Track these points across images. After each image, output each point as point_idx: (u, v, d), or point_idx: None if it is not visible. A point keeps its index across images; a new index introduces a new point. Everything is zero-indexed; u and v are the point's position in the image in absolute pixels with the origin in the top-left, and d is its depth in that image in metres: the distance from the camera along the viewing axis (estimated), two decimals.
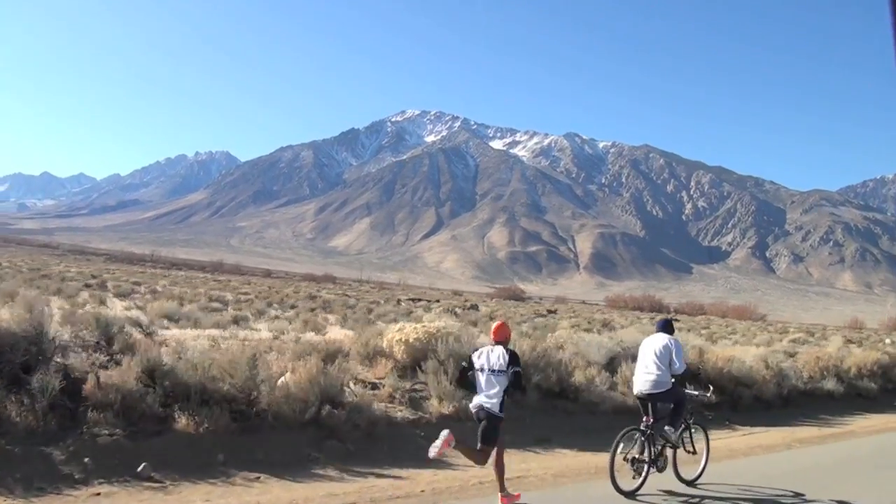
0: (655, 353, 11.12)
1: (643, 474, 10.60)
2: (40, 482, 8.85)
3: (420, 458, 10.89)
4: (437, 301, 77.91)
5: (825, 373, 23.67)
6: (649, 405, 11.04)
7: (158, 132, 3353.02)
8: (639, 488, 10.49)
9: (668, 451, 11.37)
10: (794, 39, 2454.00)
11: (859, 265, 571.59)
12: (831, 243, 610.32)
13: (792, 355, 26.40)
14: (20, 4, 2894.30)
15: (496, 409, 9.49)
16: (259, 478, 10.13)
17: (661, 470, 11.03)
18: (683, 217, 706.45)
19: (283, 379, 12.27)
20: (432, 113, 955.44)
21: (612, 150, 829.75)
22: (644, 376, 11.13)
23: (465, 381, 9.99)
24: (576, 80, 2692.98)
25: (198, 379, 11.24)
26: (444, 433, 9.43)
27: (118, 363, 11.28)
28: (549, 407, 15.48)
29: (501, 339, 9.99)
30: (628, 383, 15.27)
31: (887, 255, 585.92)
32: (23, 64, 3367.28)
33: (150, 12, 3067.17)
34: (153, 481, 9.47)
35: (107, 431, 10.01)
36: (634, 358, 12.91)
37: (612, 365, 18.47)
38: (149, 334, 15.94)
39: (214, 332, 20.68)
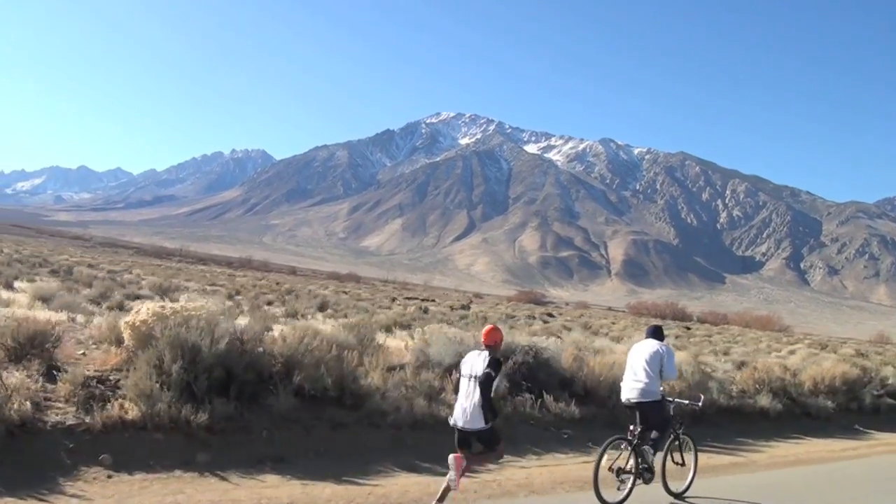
0: (645, 360, 10.72)
1: (629, 486, 10.20)
2: None
3: (34, 481, 8.66)
4: (433, 300, 77.37)
5: (760, 386, 19.76)
6: (637, 414, 10.67)
7: (196, 129, 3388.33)
8: (623, 500, 10.08)
9: (658, 462, 10.82)
10: (833, 52, 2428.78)
11: (895, 279, 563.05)
12: (867, 256, 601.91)
13: (740, 366, 23.28)
14: (62, 1, 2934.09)
15: (479, 425, 8.96)
16: None
17: (647, 482, 10.50)
18: (718, 226, 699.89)
19: None
20: (467, 115, 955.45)
21: (648, 156, 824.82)
22: (632, 383, 10.75)
23: (489, 395, 9.13)
24: (612, 86, 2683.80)
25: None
26: (451, 459, 8.95)
27: None
28: (306, 417, 11.57)
29: (491, 343, 9.43)
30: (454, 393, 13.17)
31: None
32: (63, 59, 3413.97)
33: (191, 11, 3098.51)
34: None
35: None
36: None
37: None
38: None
39: None
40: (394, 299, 68.05)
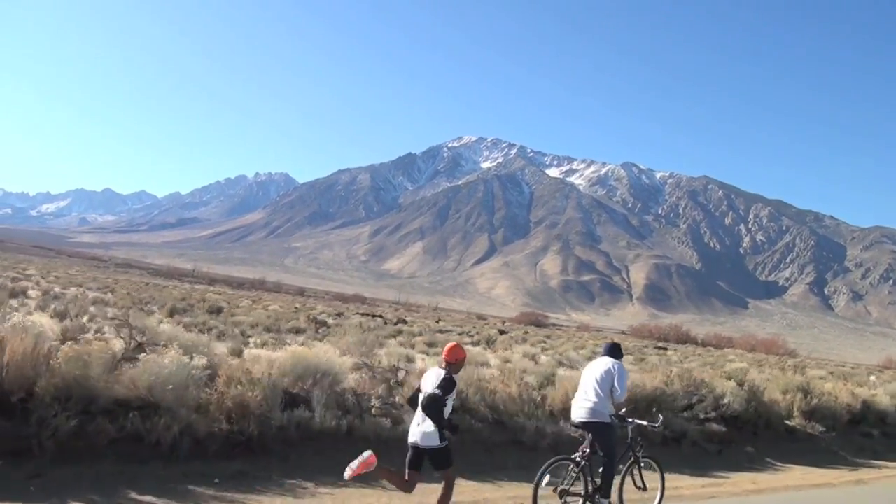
0: (596, 379, 10.27)
1: None
2: None
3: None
4: (379, 316, 74.32)
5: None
6: (588, 435, 10.18)
7: (220, 152, 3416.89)
8: None
9: (615, 486, 10.30)
10: (856, 78, 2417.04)
11: None
12: (891, 282, 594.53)
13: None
14: (87, 26, 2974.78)
15: (433, 442, 8.65)
16: None
17: None
18: (741, 250, 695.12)
19: None
20: (489, 139, 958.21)
21: (670, 180, 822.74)
22: (582, 402, 10.27)
23: (437, 417, 8.63)
24: (634, 111, 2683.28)
25: None
26: (366, 454, 8.65)
27: None
28: None
29: (452, 360, 9.03)
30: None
31: None
32: (89, 84, 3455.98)
33: (216, 35, 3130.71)
34: None
35: None
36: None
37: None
38: None
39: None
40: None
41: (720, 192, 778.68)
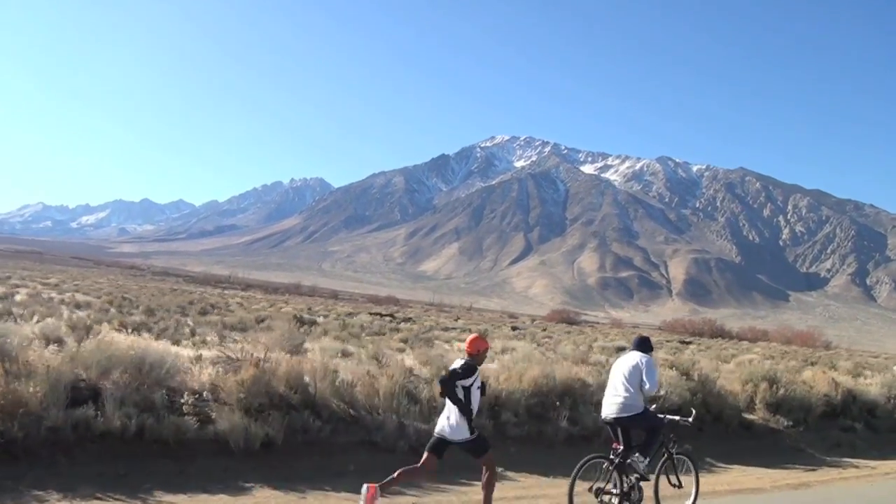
0: (624, 374, 10.07)
1: None
2: None
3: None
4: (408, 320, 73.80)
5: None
6: (619, 431, 10.01)
7: (256, 160, 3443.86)
8: None
9: (650, 483, 10.16)
10: (890, 65, 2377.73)
11: None
12: None
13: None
14: (125, 38, 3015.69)
15: (463, 435, 8.77)
16: None
17: (635, 503, 9.81)
18: (780, 242, 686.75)
19: None
20: (522, 138, 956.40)
21: (707, 173, 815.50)
22: (612, 399, 10.08)
23: (449, 393, 8.76)
24: (668, 104, 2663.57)
25: None
26: (364, 489, 8.64)
27: None
28: None
29: (473, 352, 9.09)
30: None
31: None
32: (125, 96, 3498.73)
33: (249, 43, 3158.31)
34: None
35: None
36: None
37: None
38: None
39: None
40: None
41: (758, 184, 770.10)
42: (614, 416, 9.95)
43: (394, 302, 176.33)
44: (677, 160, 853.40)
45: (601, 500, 9.54)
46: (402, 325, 51.15)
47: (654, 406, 10.37)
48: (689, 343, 66.40)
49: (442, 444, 8.90)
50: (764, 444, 16.56)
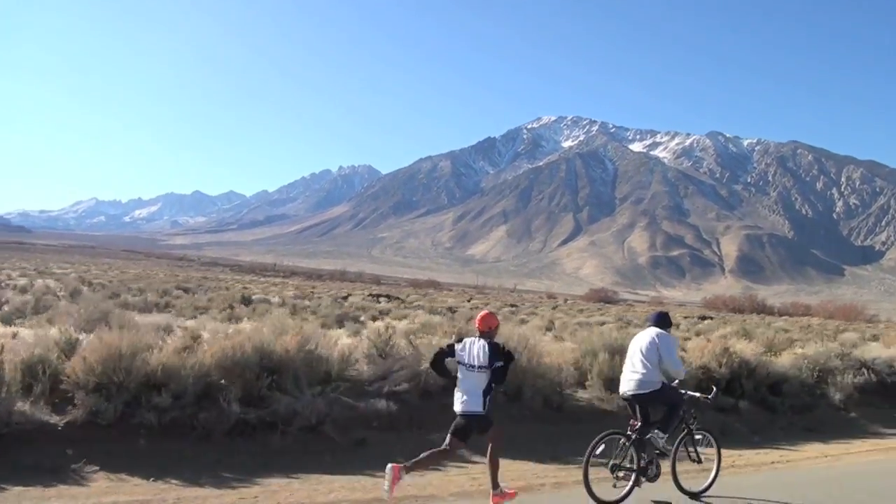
0: (641, 351, 9.74)
1: (629, 483, 9.30)
2: None
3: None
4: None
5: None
6: (637, 407, 9.67)
7: (304, 149, 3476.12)
8: (622, 499, 9.23)
9: (668, 459, 9.85)
10: None
11: None
12: None
13: None
14: (174, 33, 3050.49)
15: (477, 409, 8.70)
16: None
17: (651, 479, 9.51)
18: (834, 216, 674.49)
19: None
20: (569, 118, 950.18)
21: (758, 147, 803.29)
22: (629, 375, 9.77)
23: (439, 365, 9.07)
24: (719, 76, 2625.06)
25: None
26: (389, 469, 8.41)
27: None
28: None
29: (485, 329, 8.93)
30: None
31: None
32: (176, 90, 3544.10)
33: (296, 34, 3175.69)
34: None
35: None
36: None
37: None
38: None
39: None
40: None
41: (810, 157, 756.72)
42: (632, 392, 9.74)
43: (434, 285, 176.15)
44: (728, 135, 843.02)
45: (617, 476, 9.37)
46: (387, 305, 50.42)
47: (675, 382, 9.98)
48: (707, 318, 64.69)
49: (465, 427, 8.79)
50: (575, 429, 12.88)
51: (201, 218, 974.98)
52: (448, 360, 9.06)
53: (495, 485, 8.80)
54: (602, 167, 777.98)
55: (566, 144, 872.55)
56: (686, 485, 9.86)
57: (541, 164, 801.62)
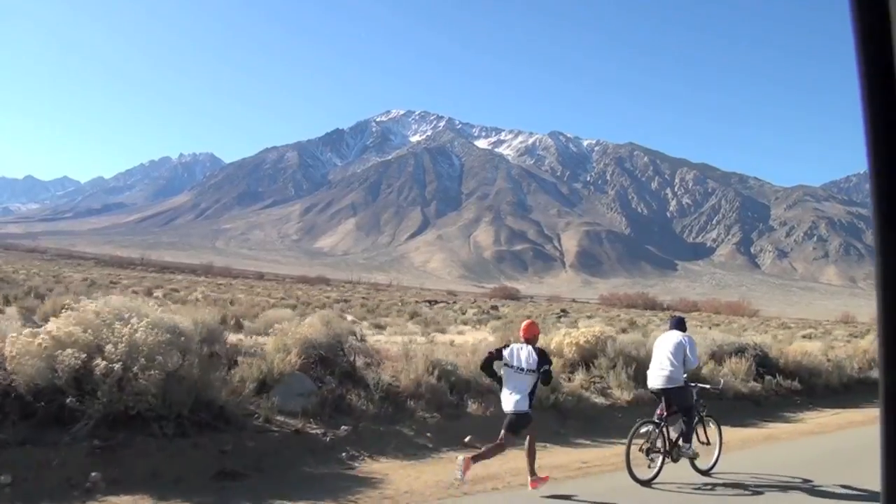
0: (669, 350, 11.67)
1: (658, 464, 11.13)
2: (407, 448, 12.19)
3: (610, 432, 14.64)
4: (454, 302, 78.46)
5: (872, 363, 25.03)
6: (663, 399, 11.70)
7: (142, 134, 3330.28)
8: (654, 477, 10.99)
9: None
10: (773, 34, 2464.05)
11: (843, 260, 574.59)
12: (815, 238, 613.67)
13: (831, 349, 28.69)
14: (2, 12, 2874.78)
15: (524, 407, 10.06)
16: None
17: (675, 460, 11.47)
18: (668, 214, 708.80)
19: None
20: (417, 113, 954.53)
21: (597, 147, 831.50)
22: (658, 372, 11.73)
23: (489, 368, 10.66)
24: (560, 79, 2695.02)
25: (470, 373, 14.43)
26: (461, 460, 9.79)
27: (379, 363, 14.59)
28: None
29: (530, 336, 10.56)
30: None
31: (871, 249, 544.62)
32: (4, 68, 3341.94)
33: (132, 14, 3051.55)
34: (470, 446, 11.89)
35: (428, 415, 13.34)
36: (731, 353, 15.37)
37: (713, 358, 21.44)
38: (362, 340, 17.25)
39: (403, 337, 23.70)
40: (416, 302, 69.73)
41: (646, 158, 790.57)
42: (661, 386, 11.71)
43: (325, 281, 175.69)
44: (568, 135, 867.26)
45: (651, 458, 11.18)
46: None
47: (685, 375, 11.89)
48: (566, 313, 70.08)
49: (516, 423, 10.17)
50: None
51: (34, 205, 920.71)
52: (496, 363, 10.59)
53: (532, 472, 10.16)
54: (449, 162, 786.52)
55: (414, 139, 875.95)
56: (698, 463, 11.85)
57: (389, 157, 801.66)
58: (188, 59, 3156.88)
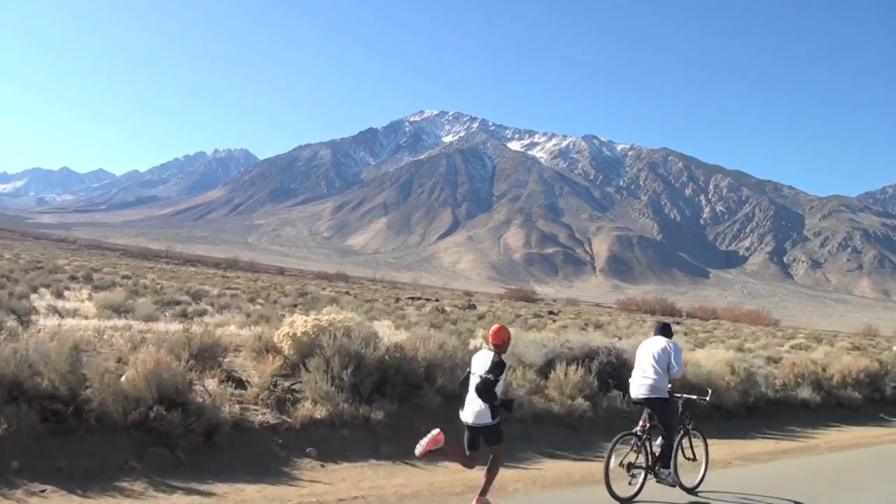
0: (653, 357, 10.78)
1: (640, 480, 10.35)
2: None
3: (261, 471, 10.16)
4: (436, 300, 78.11)
5: (800, 380, 21.58)
6: (645, 410, 10.80)
7: (178, 130, 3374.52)
8: (635, 495, 10.22)
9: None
10: (814, 45, 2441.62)
11: (877, 272, 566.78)
12: (849, 249, 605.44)
13: (776, 361, 25.64)
14: (41, 4, 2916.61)
15: (486, 420, 9.00)
16: (44, 491, 8.52)
17: (657, 477, 10.66)
18: (701, 221, 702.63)
19: (126, 375, 10.48)
20: (450, 113, 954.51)
21: (631, 152, 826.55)
22: (641, 380, 10.81)
23: (490, 400, 9.02)
24: (595, 83, 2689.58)
25: (10, 372, 9.52)
26: (434, 432, 9.01)
27: None
28: (450, 413, 11.15)
29: (498, 342, 9.31)
30: (561, 386, 15.31)
31: None
32: (45, 61, 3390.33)
33: (171, 11, 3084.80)
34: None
35: None
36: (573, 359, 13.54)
37: (549, 366, 16.17)
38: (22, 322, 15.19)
39: (102, 323, 18.68)
40: (397, 300, 68.59)
41: (680, 164, 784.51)
42: (644, 396, 10.77)
43: (343, 279, 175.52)
44: (602, 139, 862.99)
45: (632, 474, 10.35)
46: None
47: (669, 385, 10.96)
48: (678, 324, 68.37)
49: (475, 436, 9.23)
50: None
51: (69, 196, 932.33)
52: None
53: (484, 491, 9.24)
54: (481, 164, 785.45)
55: (447, 139, 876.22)
56: (683, 480, 10.95)
57: (422, 157, 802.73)
58: (226, 56, 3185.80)
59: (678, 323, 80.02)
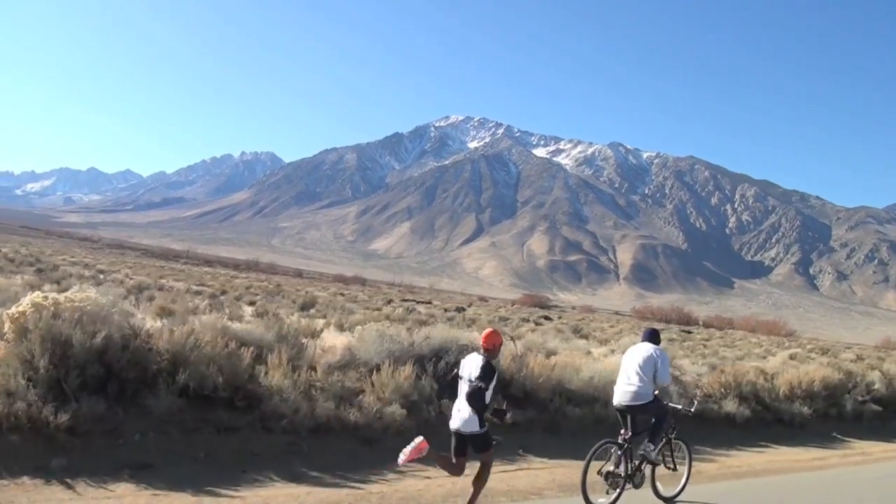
0: (638, 364, 10.61)
1: (618, 490, 10.11)
2: None
3: None
4: (429, 302, 78.17)
5: (725, 391, 18.60)
6: (628, 418, 10.60)
7: (205, 132, 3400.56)
8: None
9: (647, 467, 10.79)
10: (841, 58, 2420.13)
11: None
12: (876, 261, 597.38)
13: (714, 369, 22.21)
14: (71, 6, 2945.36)
15: (473, 427, 8.85)
16: None
17: (637, 486, 10.46)
18: (727, 230, 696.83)
19: None
20: (476, 119, 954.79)
21: (657, 160, 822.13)
22: (624, 387, 10.64)
23: (479, 406, 8.83)
24: (622, 92, 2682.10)
25: None
26: (417, 439, 8.85)
27: None
28: (190, 419, 10.53)
29: (489, 347, 9.10)
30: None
31: None
32: (73, 61, 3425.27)
33: (200, 13, 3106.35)
34: None
35: None
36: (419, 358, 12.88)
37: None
38: None
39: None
40: (389, 301, 68.07)
41: (706, 172, 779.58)
42: (627, 403, 10.60)
43: (360, 282, 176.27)
44: (628, 146, 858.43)
45: (609, 483, 10.10)
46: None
47: (655, 392, 10.80)
48: (689, 332, 68.07)
49: (462, 443, 9.07)
50: None
51: (96, 196, 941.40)
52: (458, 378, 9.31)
53: (472, 501, 9.19)
54: (506, 170, 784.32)
55: (472, 145, 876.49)
56: (661, 490, 10.84)
57: (447, 162, 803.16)
58: (255, 60, 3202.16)
59: (688, 332, 79.51)
